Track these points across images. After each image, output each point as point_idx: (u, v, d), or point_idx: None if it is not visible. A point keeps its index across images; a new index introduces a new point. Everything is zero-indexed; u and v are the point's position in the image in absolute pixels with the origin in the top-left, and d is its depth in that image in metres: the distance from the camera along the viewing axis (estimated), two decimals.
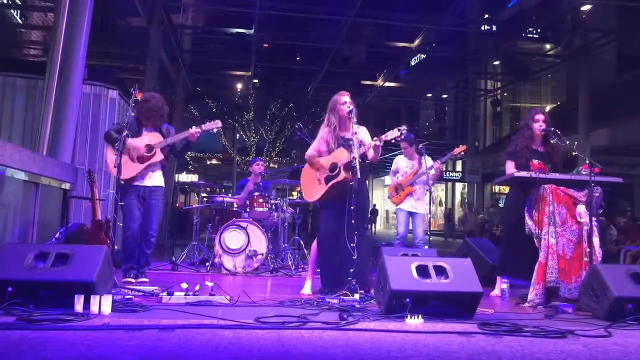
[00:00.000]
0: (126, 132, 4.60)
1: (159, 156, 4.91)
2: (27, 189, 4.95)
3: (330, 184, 4.54)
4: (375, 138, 4.54)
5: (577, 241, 4.40)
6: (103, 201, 6.61)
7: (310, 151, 4.76)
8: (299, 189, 6.95)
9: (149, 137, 4.92)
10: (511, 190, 5.11)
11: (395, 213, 6.73)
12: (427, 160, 6.45)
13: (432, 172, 6.43)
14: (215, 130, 5.03)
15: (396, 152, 8.09)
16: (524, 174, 4.51)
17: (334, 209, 4.55)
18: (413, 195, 6.46)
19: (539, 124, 4.87)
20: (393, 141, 4.73)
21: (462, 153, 7.21)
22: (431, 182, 6.37)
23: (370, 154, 4.58)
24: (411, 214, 6.49)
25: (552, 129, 4.76)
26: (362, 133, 4.69)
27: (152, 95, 5.11)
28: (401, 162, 6.65)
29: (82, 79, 6.31)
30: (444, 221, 24.20)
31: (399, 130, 4.45)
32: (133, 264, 4.94)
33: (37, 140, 5.75)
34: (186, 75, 17.01)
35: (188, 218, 13.30)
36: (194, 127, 4.90)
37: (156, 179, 5.01)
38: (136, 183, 4.88)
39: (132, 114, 4.90)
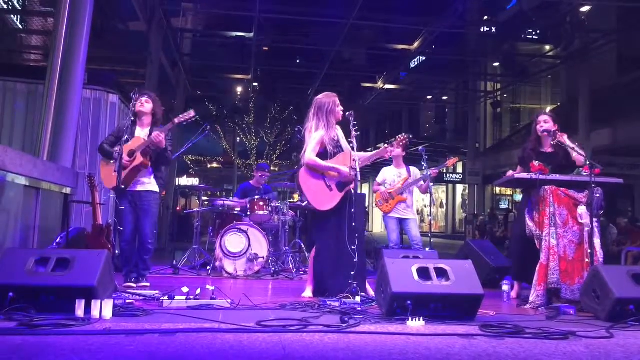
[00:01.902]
0: (126, 136, 4.57)
1: (138, 159, 4.73)
2: (28, 194, 4.95)
3: (345, 190, 4.53)
4: (393, 142, 4.61)
5: (579, 242, 4.39)
6: (104, 205, 6.61)
7: (312, 156, 4.55)
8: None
9: (133, 142, 4.79)
10: (524, 195, 5.11)
11: (383, 221, 6.66)
12: (414, 170, 6.46)
13: (422, 182, 6.41)
14: (189, 120, 4.90)
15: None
16: (524, 175, 4.51)
17: (337, 213, 4.54)
18: (404, 203, 6.40)
19: (539, 126, 4.89)
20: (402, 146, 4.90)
21: (454, 165, 7.15)
22: (421, 190, 6.39)
23: (371, 160, 4.68)
24: (401, 220, 6.42)
25: (552, 130, 4.77)
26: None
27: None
28: (388, 173, 6.53)
29: (83, 84, 6.32)
30: (466, 227, 23.24)
31: (407, 136, 4.68)
32: (132, 268, 4.90)
33: (37, 145, 5.75)
34: (186, 79, 17.03)
35: (189, 222, 13.31)
36: (154, 132, 4.74)
37: (148, 185, 4.91)
38: (128, 189, 4.79)
39: (131, 118, 4.86)
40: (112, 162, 4.72)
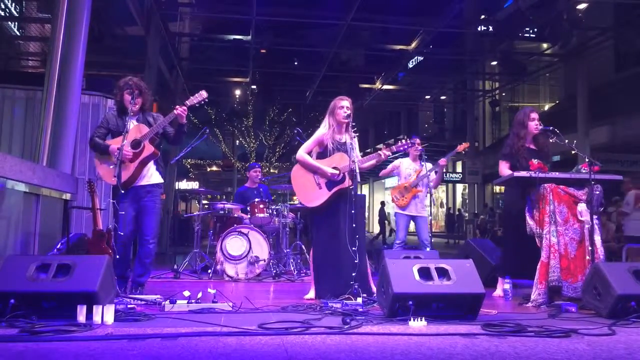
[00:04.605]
0: (125, 142, 4.33)
1: (148, 149, 4.44)
2: (28, 201, 4.95)
3: (333, 190, 4.54)
4: (384, 148, 4.57)
5: (580, 240, 4.40)
6: (104, 210, 6.62)
7: (303, 152, 4.70)
8: None
9: (134, 132, 4.45)
10: (508, 191, 5.14)
11: (395, 217, 6.68)
12: (427, 165, 6.50)
13: (433, 175, 6.45)
14: (202, 102, 4.55)
15: (397, 154, 8.10)
16: (523, 173, 4.51)
17: (331, 213, 4.55)
18: (418, 197, 6.44)
19: (534, 123, 4.90)
20: (402, 150, 4.84)
21: (466, 150, 7.10)
22: (432, 184, 6.37)
23: (367, 165, 4.64)
24: (413, 218, 6.46)
25: (551, 127, 4.78)
26: (355, 142, 4.71)
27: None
28: (404, 164, 6.61)
29: (81, 89, 6.32)
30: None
31: (409, 141, 4.60)
32: (126, 274, 4.52)
33: (36, 151, 5.75)
34: (184, 83, 17.04)
35: (189, 226, 13.32)
36: (178, 107, 4.40)
37: (152, 176, 4.59)
38: (134, 184, 4.46)
39: (113, 111, 4.66)
40: (111, 161, 4.41)
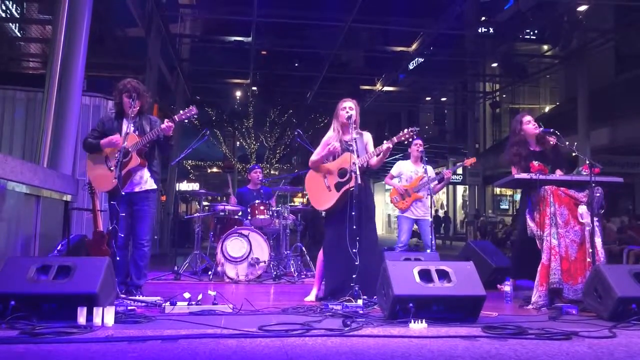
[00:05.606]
0: (125, 143, 4.34)
1: (135, 160, 4.48)
2: (29, 202, 4.95)
3: (342, 190, 4.55)
4: (385, 141, 4.54)
5: (581, 242, 4.39)
6: (104, 212, 6.61)
7: (313, 157, 4.76)
8: (300, 195, 6.95)
9: (128, 139, 4.45)
10: (523, 193, 5.13)
11: (397, 219, 6.66)
12: (430, 169, 6.46)
13: (436, 182, 6.44)
14: (191, 117, 4.58)
15: (397, 156, 8.09)
16: (524, 175, 4.51)
17: (342, 215, 4.53)
18: (420, 202, 6.41)
19: (531, 125, 4.90)
20: (405, 142, 4.76)
21: (472, 165, 7.15)
22: (431, 187, 6.34)
23: (374, 160, 4.60)
24: (417, 222, 6.44)
25: (552, 129, 4.77)
26: (366, 138, 4.76)
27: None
28: (405, 167, 6.55)
29: (82, 90, 6.32)
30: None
31: (410, 130, 4.50)
32: (123, 279, 4.47)
33: (37, 153, 5.76)
34: (185, 84, 17.04)
35: (190, 227, 13.30)
36: (167, 120, 4.42)
37: (146, 182, 4.63)
38: (124, 191, 4.44)
39: (112, 110, 4.69)
40: (106, 165, 4.53)
